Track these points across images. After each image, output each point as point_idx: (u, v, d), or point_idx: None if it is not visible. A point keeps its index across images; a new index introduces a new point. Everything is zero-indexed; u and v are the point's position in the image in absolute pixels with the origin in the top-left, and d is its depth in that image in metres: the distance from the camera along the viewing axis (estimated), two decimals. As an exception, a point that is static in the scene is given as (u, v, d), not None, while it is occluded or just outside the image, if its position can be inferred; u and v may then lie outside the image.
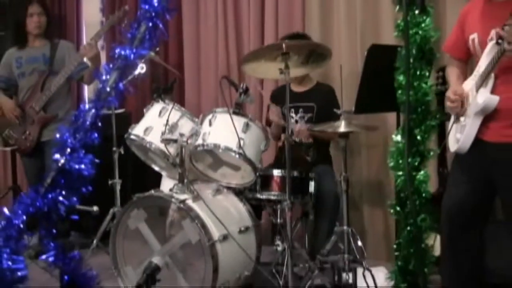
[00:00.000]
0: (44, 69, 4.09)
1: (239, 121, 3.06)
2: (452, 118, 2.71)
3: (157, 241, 3.05)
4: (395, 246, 2.69)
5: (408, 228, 2.57)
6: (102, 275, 3.32)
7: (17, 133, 4.11)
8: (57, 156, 1.59)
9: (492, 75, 2.47)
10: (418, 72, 2.54)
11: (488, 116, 2.50)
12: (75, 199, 1.60)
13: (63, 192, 1.62)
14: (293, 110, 3.80)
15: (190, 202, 3.02)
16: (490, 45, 2.46)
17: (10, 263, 1.62)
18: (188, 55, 4.88)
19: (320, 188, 3.46)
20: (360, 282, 3.09)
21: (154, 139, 3.22)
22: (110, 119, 3.98)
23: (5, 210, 1.71)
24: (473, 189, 2.65)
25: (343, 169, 3.17)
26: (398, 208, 2.59)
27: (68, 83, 4.17)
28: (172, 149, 3.19)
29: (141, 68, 3.60)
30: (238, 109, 3.15)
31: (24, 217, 1.61)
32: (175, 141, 3.14)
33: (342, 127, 3.09)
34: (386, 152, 3.88)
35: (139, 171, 4.07)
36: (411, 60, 2.45)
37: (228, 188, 3.30)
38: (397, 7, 2.53)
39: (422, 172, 2.59)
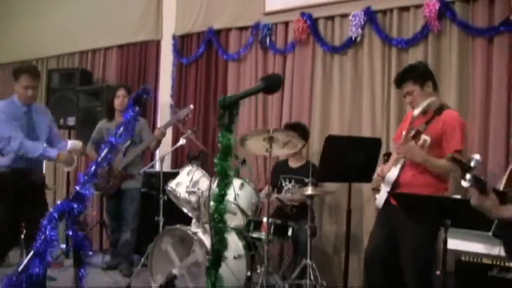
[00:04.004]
0: None
1: (237, 182, 4.23)
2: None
3: (177, 258, 4.22)
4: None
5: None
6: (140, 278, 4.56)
7: (104, 182, 5.21)
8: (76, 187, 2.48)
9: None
10: None
11: (395, 187, 3.39)
12: (82, 206, 2.45)
13: (76, 202, 2.46)
14: (287, 179, 4.74)
15: (200, 234, 4.16)
16: None
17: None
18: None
19: (297, 234, 4.39)
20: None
21: (182, 191, 4.42)
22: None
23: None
24: (387, 237, 3.48)
25: (309, 221, 4.16)
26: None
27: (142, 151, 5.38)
28: (193, 198, 4.35)
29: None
30: (237, 174, 4.36)
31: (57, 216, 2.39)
32: (194, 192, 4.35)
33: (309, 191, 4.20)
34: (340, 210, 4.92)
35: (174, 211, 4.88)
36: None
37: (230, 227, 4.22)
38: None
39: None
